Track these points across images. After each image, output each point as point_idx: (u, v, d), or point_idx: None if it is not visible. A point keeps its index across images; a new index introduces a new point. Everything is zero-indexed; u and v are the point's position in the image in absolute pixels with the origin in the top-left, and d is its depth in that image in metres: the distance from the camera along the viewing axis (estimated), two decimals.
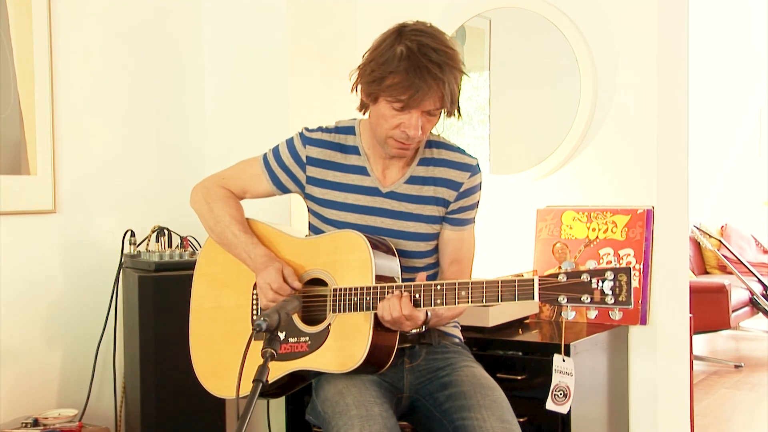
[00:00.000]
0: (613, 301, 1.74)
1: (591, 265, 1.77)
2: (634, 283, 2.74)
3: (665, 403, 2.82)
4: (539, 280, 1.80)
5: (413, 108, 1.97)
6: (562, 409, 2.32)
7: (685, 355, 2.96)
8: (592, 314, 1.80)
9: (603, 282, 1.75)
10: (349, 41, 3.23)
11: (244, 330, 2.11)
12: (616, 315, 1.80)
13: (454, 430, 1.99)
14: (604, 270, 1.75)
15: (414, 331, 1.99)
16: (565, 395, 2.31)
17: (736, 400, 4.75)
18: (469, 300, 1.87)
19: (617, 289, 1.74)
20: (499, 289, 1.84)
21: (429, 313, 1.98)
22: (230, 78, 3.16)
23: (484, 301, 1.86)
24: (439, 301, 1.90)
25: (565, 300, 1.77)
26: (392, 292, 1.91)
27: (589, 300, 1.76)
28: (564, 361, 2.34)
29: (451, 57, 1.97)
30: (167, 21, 3.11)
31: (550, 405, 2.32)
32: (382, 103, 2.00)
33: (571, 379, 2.32)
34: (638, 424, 2.83)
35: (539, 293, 1.79)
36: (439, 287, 1.90)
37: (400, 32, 1.99)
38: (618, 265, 1.77)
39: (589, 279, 1.76)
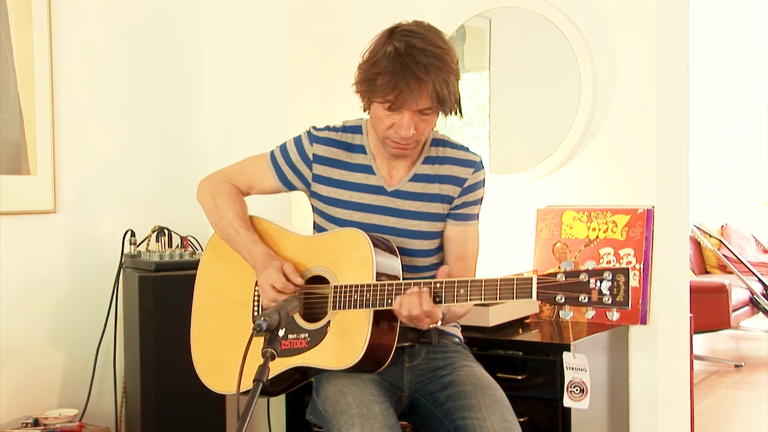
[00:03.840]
0: (610, 301, 1.74)
1: (590, 265, 1.77)
2: (634, 283, 2.74)
3: (665, 403, 2.82)
4: (538, 279, 1.80)
5: (401, 108, 1.97)
6: (582, 405, 2.32)
7: (686, 355, 2.96)
8: (590, 314, 1.80)
9: (601, 282, 1.75)
10: (349, 41, 3.23)
11: (245, 327, 2.11)
12: (614, 315, 1.79)
13: (455, 429, 1.99)
14: (603, 270, 1.75)
15: (432, 326, 2.00)
16: (582, 391, 2.32)
17: (736, 399, 4.75)
18: (468, 298, 1.87)
19: (615, 290, 1.74)
20: (498, 287, 1.85)
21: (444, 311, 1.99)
22: (230, 78, 3.16)
23: (482, 299, 1.87)
24: (438, 299, 1.90)
25: (563, 299, 1.78)
26: (401, 289, 1.91)
27: (586, 300, 1.76)
28: (575, 357, 2.35)
29: (439, 57, 1.95)
30: (168, 20, 3.11)
31: (567, 402, 2.32)
32: (375, 104, 2.01)
33: (586, 375, 2.32)
34: (638, 424, 2.83)
35: (537, 292, 1.80)
36: (438, 285, 1.90)
37: (392, 32, 1.99)
38: (617, 266, 1.77)
39: (587, 279, 1.76)
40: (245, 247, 2.13)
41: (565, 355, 2.35)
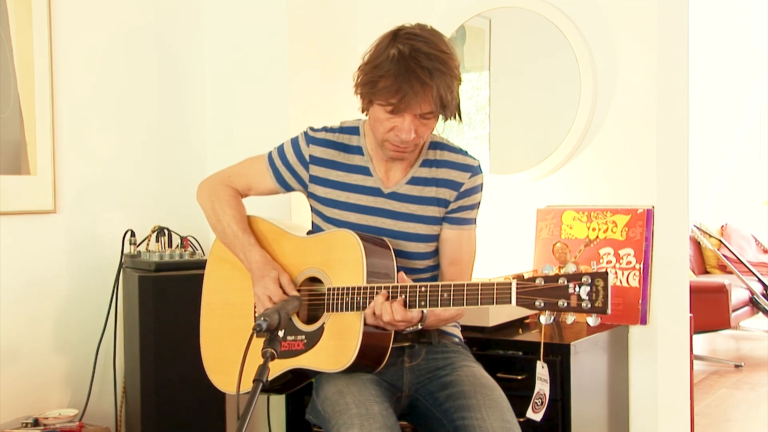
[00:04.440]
0: (589, 306, 1.72)
1: (572, 269, 1.74)
2: (635, 283, 2.74)
3: (665, 403, 2.82)
4: (517, 284, 1.79)
5: (403, 112, 1.96)
6: (538, 417, 2.27)
7: (686, 355, 2.96)
8: (570, 319, 1.76)
9: (580, 287, 1.72)
10: (350, 41, 3.23)
11: (250, 326, 2.10)
12: (594, 321, 1.75)
13: (454, 429, 1.99)
14: (581, 275, 1.72)
15: (410, 329, 2.00)
16: (542, 402, 2.28)
17: (736, 399, 4.75)
18: (451, 302, 1.87)
19: (594, 295, 1.71)
20: (479, 292, 1.84)
21: (425, 312, 1.99)
22: (230, 78, 3.16)
23: (464, 304, 1.86)
24: (423, 303, 1.90)
25: (542, 304, 1.75)
26: (379, 293, 1.91)
27: (565, 305, 1.73)
28: (543, 367, 2.32)
29: (444, 62, 1.95)
30: (168, 20, 3.11)
31: (529, 413, 2.27)
32: (376, 106, 2.00)
33: (547, 386, 2.29)
34: (638, 424, 2.83)
35: (516, 297, 1.78)
36: (423, 289, 1.90)
37: (396, 35, 1.98)
38: (597, 269, 1.74)
39: (566, 283, 1.74)
40: (242, 250, 2.14)
41: (538, 364, 2.30)
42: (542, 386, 2.29)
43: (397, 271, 2.03)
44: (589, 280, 1.72)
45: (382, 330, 1.98)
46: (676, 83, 2.92)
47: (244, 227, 2.17)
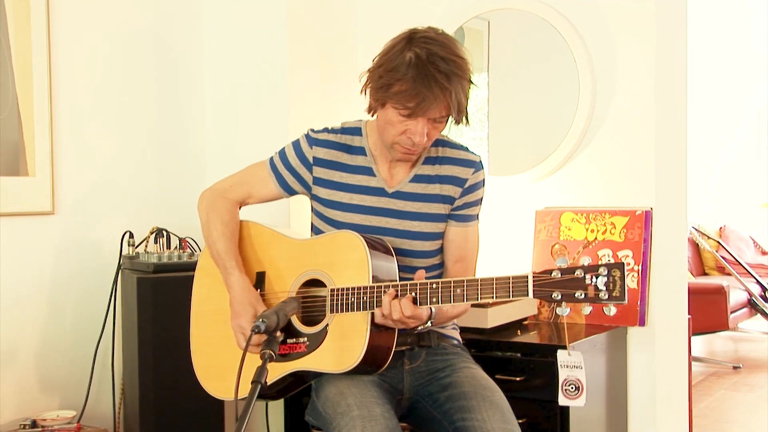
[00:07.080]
0: (607, 296, 1.74)
1: (586, 261, 1.77)
2: (633, 284, 2.74)
3: (664, 405, 2.83)
4: (533, 277, 1.80)
5: (419, 116, 1.97)
6: (577, 403, 2.28)
7: (684, 357, 2.96)
8: (587, 310, 1.79)
9: (597, 278, 1.74)
10: (350, 43, 3.23)
11: None
12: (611, 311, 1.79)
13: (454, 430, 1.99)
14: (598, 266, 1.75)
15: (420, 327, 2.00)
16: (577, 388, 2.31)
17: (735, 401, 4.75)
18: (464, 297, 1.87)
19: (611, 285, 1.73)
20: (494, 286, 1.84)
21: (433, 310, 1.99)
22: (230, 80, 3.16)
23: (479, 298, 1.86)
24: (435, 300, 1.90)
25: (560, 296, 1.77)
26: (387, 292, 1.91)
27: (583, 296, 1.75)
28: (570, 355, 2.33)
29: (460, 66, 1.96)
30: (167, 23, 3.10)
31: (562, 400, 2.28)
32: (389, 109, 2.00)
33: (582, 372, 2.31)
34: (637, 425, 2.83)
35: (533, 290, 1.79)
36: (435, 285, 1.90)
37: (411, 38, 1.98)
38: (612, 261, 1.76)
39: (583, 275, 1.75)
40: (223, 270, 2.13)
41: (560, 353, 2.31)
42: (571, 372, 2.29)
43: (399, 272, 2.03)
44: (606, 271, 1.74)
45: (388, 330, 1.97)
46: (675, 85, 2.92)
47: (229, 247, 2.14)
